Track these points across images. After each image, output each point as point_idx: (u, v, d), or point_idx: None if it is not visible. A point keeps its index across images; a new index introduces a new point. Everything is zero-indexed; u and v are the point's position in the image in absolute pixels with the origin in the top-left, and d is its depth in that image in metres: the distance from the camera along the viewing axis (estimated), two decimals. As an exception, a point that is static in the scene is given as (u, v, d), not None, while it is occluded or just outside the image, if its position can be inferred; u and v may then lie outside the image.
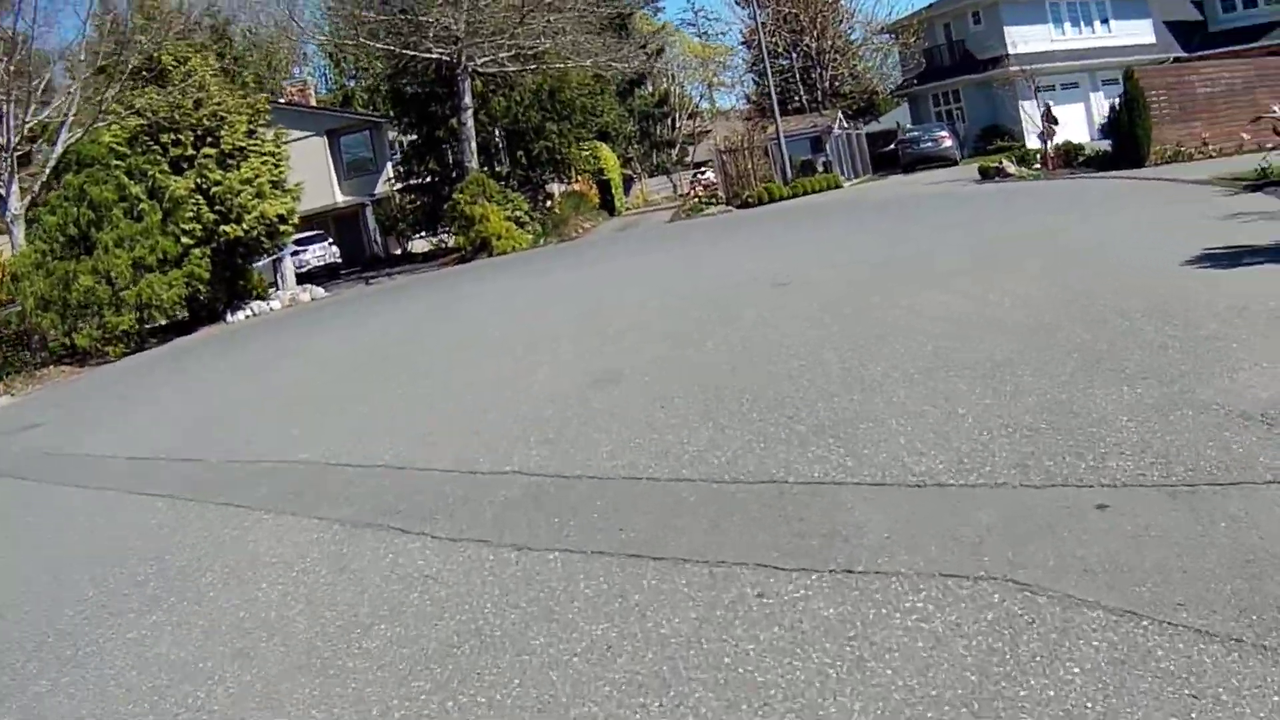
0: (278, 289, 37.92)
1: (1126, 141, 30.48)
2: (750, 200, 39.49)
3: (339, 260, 48.34)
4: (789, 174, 43.48)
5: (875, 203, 31.92)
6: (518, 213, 40.94)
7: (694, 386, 9.96)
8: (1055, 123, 35.51)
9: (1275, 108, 22.80)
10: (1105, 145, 33.37)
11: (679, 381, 10.27)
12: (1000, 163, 34.37)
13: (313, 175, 43.99)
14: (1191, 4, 63.39)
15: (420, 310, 23.47)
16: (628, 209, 53.89)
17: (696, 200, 43.06)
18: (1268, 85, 33.31)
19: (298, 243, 43.23)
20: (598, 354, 12.90)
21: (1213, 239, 13.46)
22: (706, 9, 72.91)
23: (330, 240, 48.94)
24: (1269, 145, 27.94)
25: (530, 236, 40.26)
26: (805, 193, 40.52)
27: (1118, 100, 31.72)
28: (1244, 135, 31.19)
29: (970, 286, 12.71)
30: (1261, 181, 20.21)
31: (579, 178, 52.63)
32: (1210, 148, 30.61)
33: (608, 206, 51.45)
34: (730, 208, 40.04)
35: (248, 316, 33.48)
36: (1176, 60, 49.49)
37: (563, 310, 18.12)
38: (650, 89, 66.56)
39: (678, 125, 68.12)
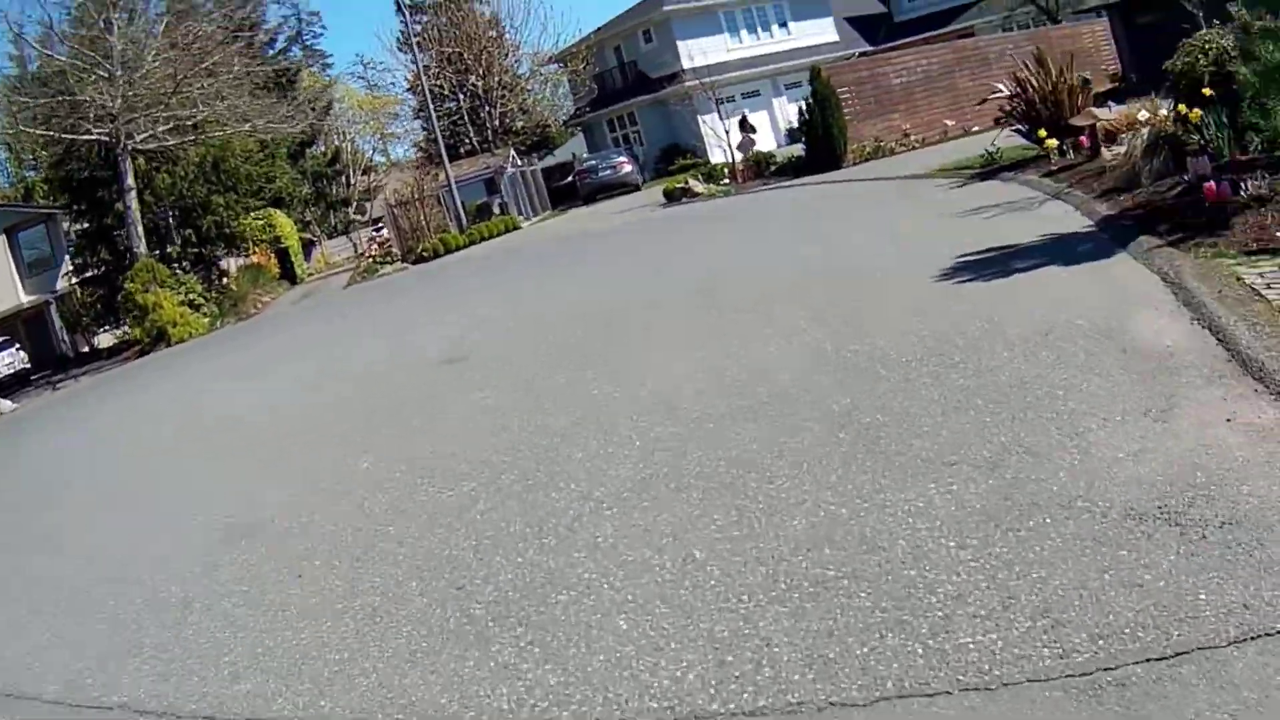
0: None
1: (821, 143, 29.15)
2: (425, 254, 36.38)
3: (28, 365, 43.34)
4: (464, 221, 40.47)
5: (559, 240, 29.36)
6: (191, 295, 37.61)
7: (330, 547, 7.29)
8: (753, 131, 33.58)
9: (1000, 86, 20.86)
10: (798, 150, 31.85)
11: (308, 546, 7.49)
12: (686, 182, 32.28)
13: (-5, 277, 39.95)
14: (875, -3, 63.64)
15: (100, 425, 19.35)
16: (310, 275, 49.80)
17: (371, 260, 39.35)
18: (968, 68, 32.52)
19: None
20: (233, 497, 9.63)
21: (964, 242, 11.64)
22: (375, 59, 69.14)
23: (18, 345, 43.95)
24: (974, 129, 26.52)
25: (207, 320, 36.90)
26: (483, 238, 37.78)
27: (806, 102, 30.19)
28: (947, 122, 29.90)
29: (690, 341, 10.43)
30: (990, 168, 18.38)
31: (256, 249, 48.76)
32: (912, 138, 29.55)
33: (289, 275, 47.28)
34: (406, 265, 36.72)
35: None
36: (862, 55, 48.62)
37: (222, 408, 15.36)
38: (322, 148, 62.96)
39: (352, 182, 64.42)
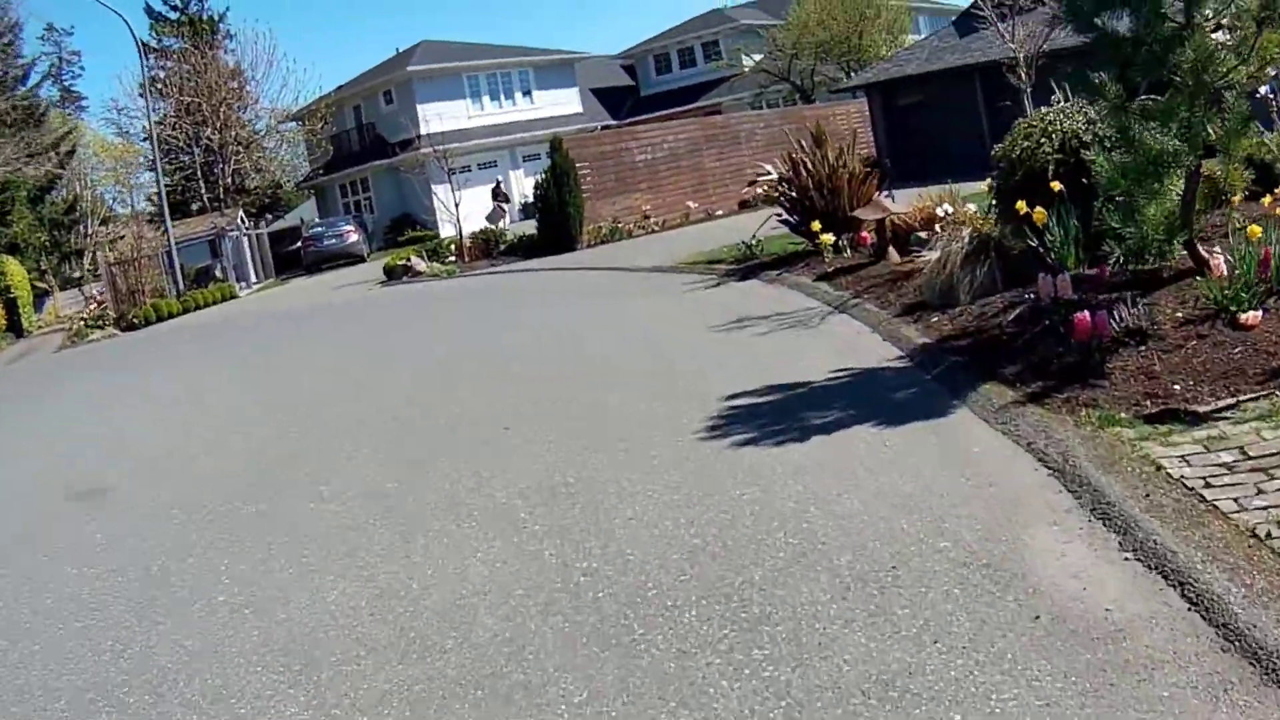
0: None
1: (556, 221, 27.02)
2: (136, 320, 32.25)
3: None
4: (182, 285, 36.35)
5: (270, 317, 25.64)
6: None
7: None
8: (507, 200, 30.76)
9: (767, 167, 18.29)
10: (530, 227, 29.46)
11: None
12: (409, 259, 29.11)
13: None
14: (622, 69, 61.53)
15: None
16: (39, 328, 44.31)
17: (82, 324, 34.62)
18: (715, 146, 30.36)
19: None
20: None
21: (732, 373, 9.03)
22: (129, 106, 63.83)
23: None
24: (718, 212, 24.28)
25: None
26: (198, 306, 34.04)
27: (544, 176, 27.79)
28: (690, 204, 27.76)
29: (375, 542, 6.49)
30: (749, 263, 15.76)
31: None
32: (653, 220, 27.50)
33: (15, 328, 41.85)
34: (116, 330, 32.45)
35: None
36: (605, 129, 46.32)
37: None
38: (63, 194, 57.41)
39: (89, 232, 58.52)
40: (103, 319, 33.56)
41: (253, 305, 32.20)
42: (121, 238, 56.64)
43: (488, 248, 28.76)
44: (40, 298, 48.74)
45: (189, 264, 41.21)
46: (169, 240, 37.65)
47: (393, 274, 28.64)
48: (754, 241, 16.72)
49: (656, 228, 26.88)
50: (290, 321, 22.83)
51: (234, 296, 36.45)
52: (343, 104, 54.51)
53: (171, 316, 32.77)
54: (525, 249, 27.45)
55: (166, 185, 62.92)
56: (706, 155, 30.04)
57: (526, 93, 54.31)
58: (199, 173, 56.26)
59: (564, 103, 55.11)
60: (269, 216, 59.28)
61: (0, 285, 44.22)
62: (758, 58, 53.59)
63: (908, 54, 34.74)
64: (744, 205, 17.53)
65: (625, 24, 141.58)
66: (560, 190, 26.39)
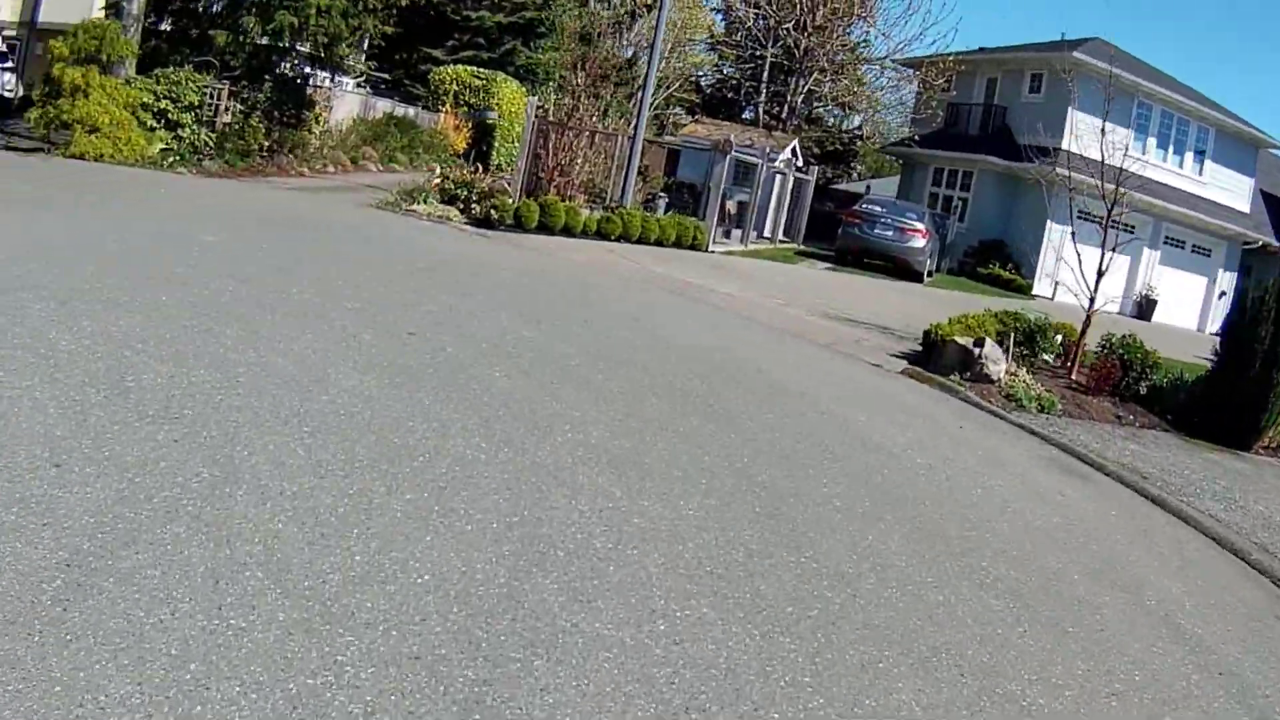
0: None
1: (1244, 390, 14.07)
2: (503, 217, 20.68)
3: (9, 94, 32.06)
4: (629, 192, 24.37)
5: (697, 322, 14.65)
6: (166, 104, 24.17)
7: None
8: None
9: None
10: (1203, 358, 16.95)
11: None
12: (981, 338, 14.42)
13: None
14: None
15: None
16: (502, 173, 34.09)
17: (439, 184, 23.25)
18: None
19: None
20: None
21: None
22: None
23: (10, 65, 33.22)
24: None
25: (159, 149, 23.58)
26: (625, 236, 22.28)
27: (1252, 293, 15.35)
28: None
29: None
30: None
31: (449, 109, 34.09)
32: None
33: (481, 159, 31.99)
34: (462, 220, 21.18)
35: None
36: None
37: None
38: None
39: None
40: (468, 195, 21.94)
41: (705, 276, 19.97)
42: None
43: (1112, 377, 14.94)
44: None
45: (685, 174, 29.60)
46: (636, 124, 25.47)
47: (936, 354, 14.44)
48: None
49: None
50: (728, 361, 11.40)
51: (696, 246, 24.18)
52: (975, 70, 41.22)
53: (570, 232, 21.45)
54: (1180, 409, 13.87)
55: (716, 78, 53.28)
56: None
57: (1199, 156, 39.82)
58: (764, 75, 44.73)
59: (1232, 190, 40.64)
60: (829, 170, 47.14)
61: (479, 100, 36.09)
62: None
63: None
64: None
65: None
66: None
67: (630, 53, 45.59)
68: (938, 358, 14.18)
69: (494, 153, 33.82)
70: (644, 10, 45.17)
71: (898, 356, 14.86)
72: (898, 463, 8.99)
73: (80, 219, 13.96)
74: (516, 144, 33.85)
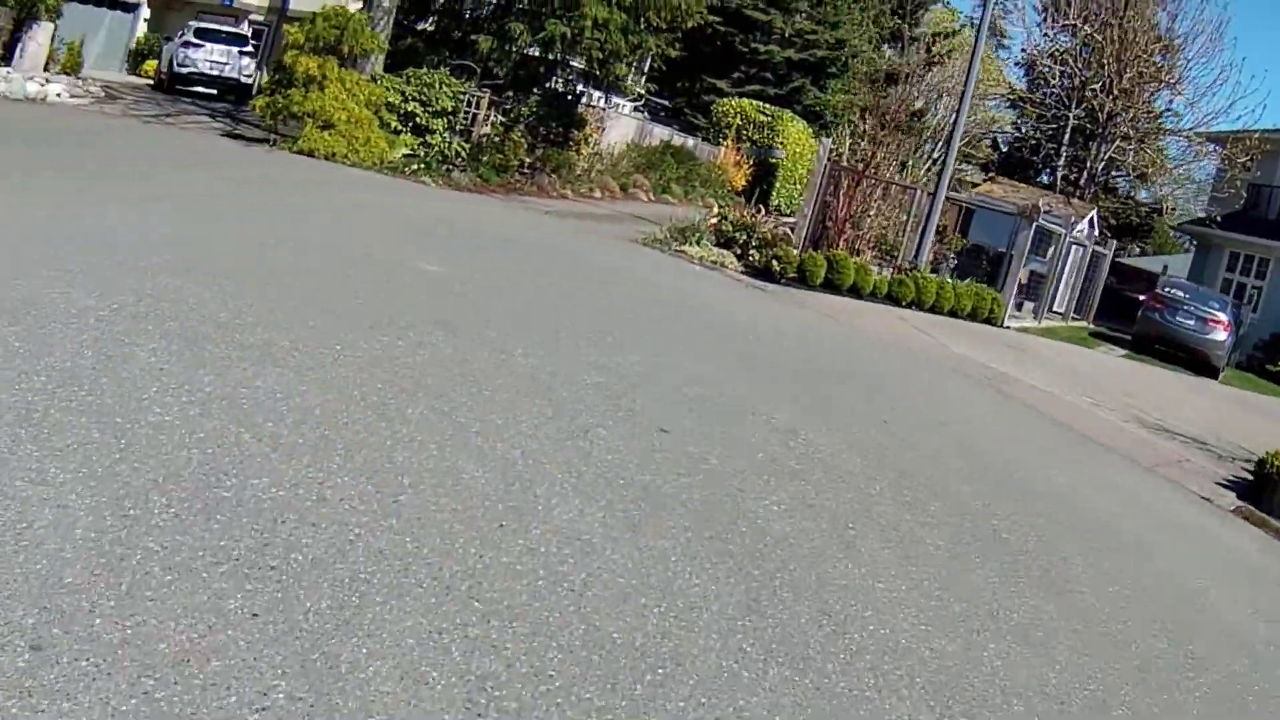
0: (11, 61, 23.59)
1: None
2: (785, 270, 18.80)
3: (248, 79, 33.13)
4: (924, 253, 22.21)
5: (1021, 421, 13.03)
6: (414, 106, 23.17)
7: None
8: None
9: None
10: None
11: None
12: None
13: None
14: None
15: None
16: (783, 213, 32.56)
17: (715, 223, 21.30)
18: None
19: (201, 34, 32.13)
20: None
21: None
22: (1011, 11, 51.42)
23: (250, 50, 34.24)
24: None
25: (403, 154, 22.35)
26: (915, 301, 20.15)
27: None
28: None
29: None
30: None
31: (731, 144, 32.66)
32: None
33: (761, 199, 30.65)
34: (738, 268, 19.42)
35: None
36: None
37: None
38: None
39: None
40: (746, 239, 20.03)
41: (1006, 360, 17.68)
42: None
43: None
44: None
45: (973, 238, 27.89)
46: (939, 179, 23.18)
47: (1276, 493, 11.88)
48: None
49: None
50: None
51: (991, 320, 21.89)
52: (1280, 150, 38.13)
53: (855, 293, 19.26)
54: None
55: (1014, 136, 50.77)
56: None
57: None
58: (1064, 138, 42.23)
59: None
60: (1124, 245, 44.27)
61: (762, 139, 34.53)
62: None
63: None
64: None
65: None
66: None
67: (920, 103, 43.64)
68: (1271, 494, 11.67)
69: (774, 193, 32.19)
70: (941, 59, 43.55)
71: (1224, 485, 12.43)
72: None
73: (275, 222, 12.37)
74: (798, 186, 32.13)
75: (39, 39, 23.82)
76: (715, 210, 21.77)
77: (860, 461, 7.99)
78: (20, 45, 23.55)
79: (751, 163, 33.26)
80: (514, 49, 23.98)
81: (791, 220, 25.52)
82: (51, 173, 13.19)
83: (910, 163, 30.84)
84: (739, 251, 19.57)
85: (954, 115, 25.10)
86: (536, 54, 24.91)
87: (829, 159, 22.45)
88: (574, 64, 25.54)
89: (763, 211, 22.02)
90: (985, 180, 39.12)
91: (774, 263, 18.60)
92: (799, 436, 8.11)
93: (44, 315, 6.09)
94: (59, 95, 22.48)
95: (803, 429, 8.39)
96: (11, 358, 5.30)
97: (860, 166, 22.44)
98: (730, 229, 20.05)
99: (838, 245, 20.63)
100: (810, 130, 35.06)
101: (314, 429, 5.37)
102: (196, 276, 8.01)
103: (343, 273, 9.95)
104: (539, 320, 9.92)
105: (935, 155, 34.83)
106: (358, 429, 5.56)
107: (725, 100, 35.81)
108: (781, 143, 34.38)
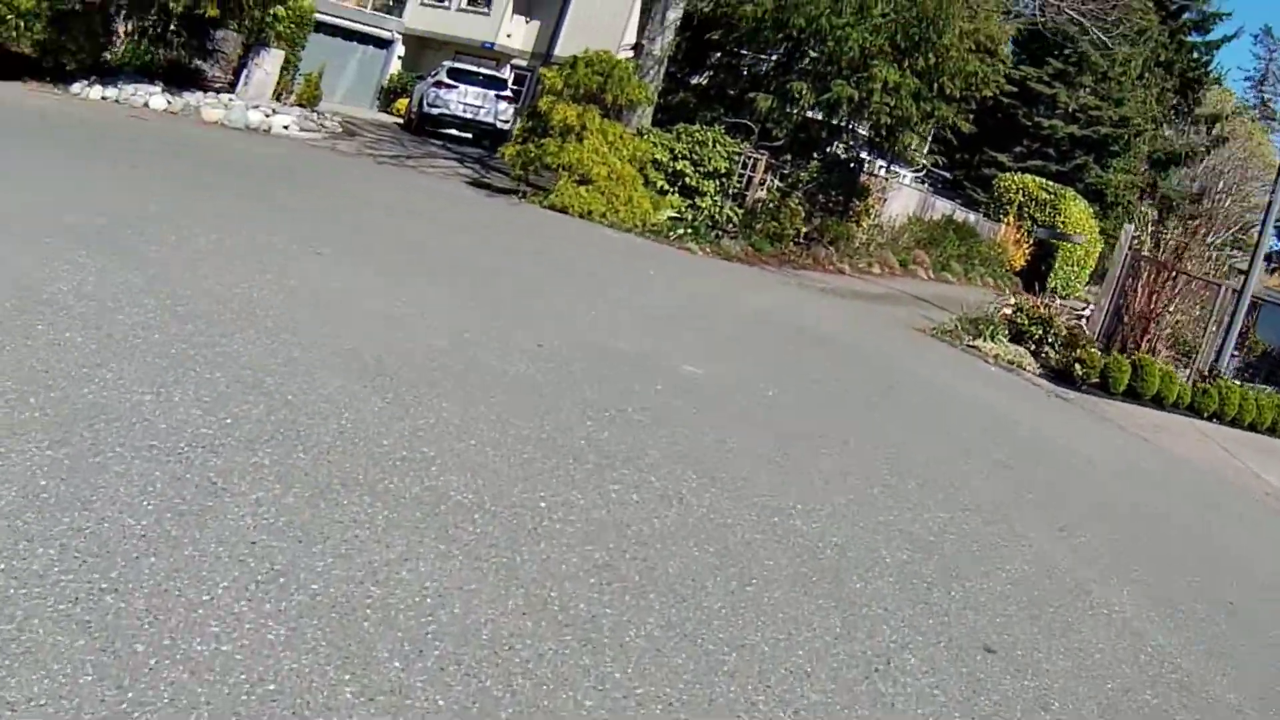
0: (236, 88, 23.67)
1: None
2: (1088, 374, 17.34)
3: (504, 125, 32.18)
4: (1225, 356, 20.41)
5: None
6: (685, 165, 21.85)
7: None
8: None
9: None
10: None
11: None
12: None
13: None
14: None
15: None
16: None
17: (1009, 314, 19.73)
18: None
19: (455, 75, 32.36)
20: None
21: None
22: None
23: (508, 94, 34.08)
24: None
25: (668, 216, 21.04)
26: (1217, 414, 18.39)
27: None
28: None
29: None
30: None
31: (1009, 220, 32.56)
32: None
33: (1038, 279, 29.50)
34: (1037, 370, 17.98)
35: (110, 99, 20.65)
36: None
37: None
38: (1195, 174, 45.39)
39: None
40: (1042, 335, 18.46)
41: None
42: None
43: None
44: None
45: (1261, 336, 26.17)
46: (1248, 275, 21.22)
47: None
48: None
49: None
50: None
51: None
52: None
53: (1156, 403, 17.63)
54: None
55: None
56: None
57: None
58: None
59: None
60: None
61: (1045, 218, 33.09)
62: None
63: None
64: None
65: None
66: None
67: (1197, 186, 41.73)
68: None
69: (1052, 274, 30.66)
70: (1224, 140, 41.63)
71: None
72: None
73: (481, 291, 10.60)
74: (1076, 268, 30.46)
75: (266, 67, 23.68)
76: (1011, 300, 20.41)
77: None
78: (246, 72, 23.45)
79: (1031, 242, 31.77)
80: (795, 110, 22.98)
81: (1070, 304, 24.06)
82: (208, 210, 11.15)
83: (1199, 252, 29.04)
84: (1033, 348, 18.22)
85: (1268, 196, 23.06)
86: (819, 117, 23.86)
87: (1130, 247, 20.88)
88: (859, 131, 24.41)
89: (1055, 299, 20.59)
90: (1272, 272, 36.79)
91: (1076, 366, 17.17)
92: (1146, 642, 6.07)
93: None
94: (285, 127, 21.85)
95: (1151, 633, 6.27)
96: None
97: (1168, 256, 20.72)
98: (1025, 322, 18.69)
99: (1140, 344, 19.07)
100: (1090, 210, 33.47)
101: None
102: (354, 363, 7.41)
103: (558, 364, 8.17)
104: (816, 460, 7.75)
105: (1218, 243, 32.93)
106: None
107: (1007, 175, 34.50)
108: (1063, 222, 32.90)
